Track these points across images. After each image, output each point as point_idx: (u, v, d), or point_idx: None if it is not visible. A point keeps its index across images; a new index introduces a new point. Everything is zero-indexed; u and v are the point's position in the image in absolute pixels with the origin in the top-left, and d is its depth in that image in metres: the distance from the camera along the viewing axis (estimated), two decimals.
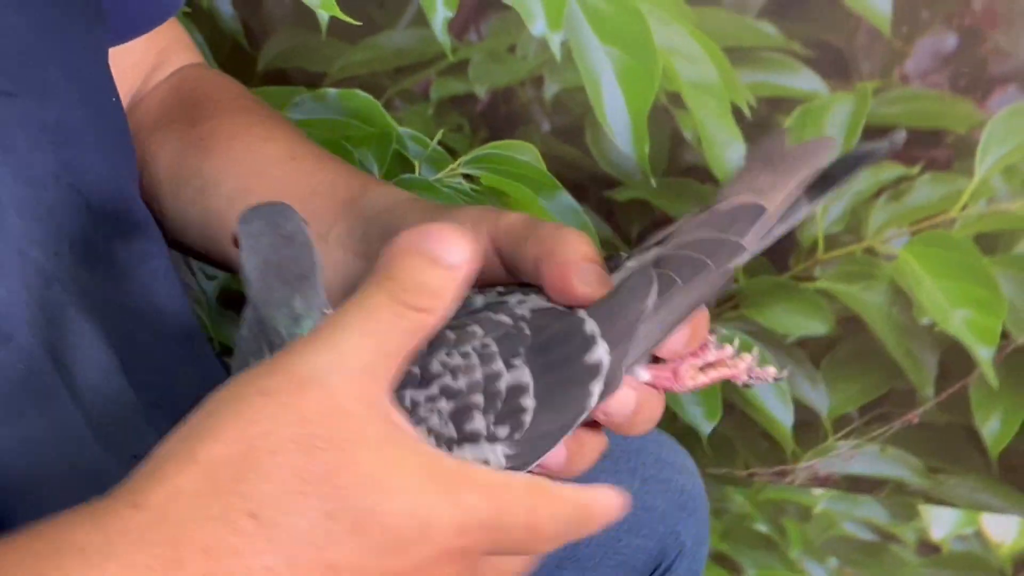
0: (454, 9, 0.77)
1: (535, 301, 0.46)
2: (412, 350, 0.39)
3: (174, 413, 0.42)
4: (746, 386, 0.48)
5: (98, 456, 0.49)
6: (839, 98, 0.73)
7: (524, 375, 0.44)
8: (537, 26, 0.76)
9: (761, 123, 0.75)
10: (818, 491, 0.91)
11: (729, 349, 0.48)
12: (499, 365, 0.44)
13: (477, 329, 0.44)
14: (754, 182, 0.47)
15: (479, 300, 0.46)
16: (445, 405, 0.43)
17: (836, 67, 0.73)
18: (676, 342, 0.46)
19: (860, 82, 0.72)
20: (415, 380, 0.42)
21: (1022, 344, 0.77)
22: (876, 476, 0.88)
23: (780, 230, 0.47)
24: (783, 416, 0.87)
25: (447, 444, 0.43)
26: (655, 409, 0.46)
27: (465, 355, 0.43)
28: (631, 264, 0.47)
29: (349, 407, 0.36)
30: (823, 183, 0.47)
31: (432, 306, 0.38)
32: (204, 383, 0.58)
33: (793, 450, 0.88)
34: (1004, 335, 0.77)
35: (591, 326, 0.45)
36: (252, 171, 0.61)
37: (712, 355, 0.48)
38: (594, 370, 0.45)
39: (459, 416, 0.43)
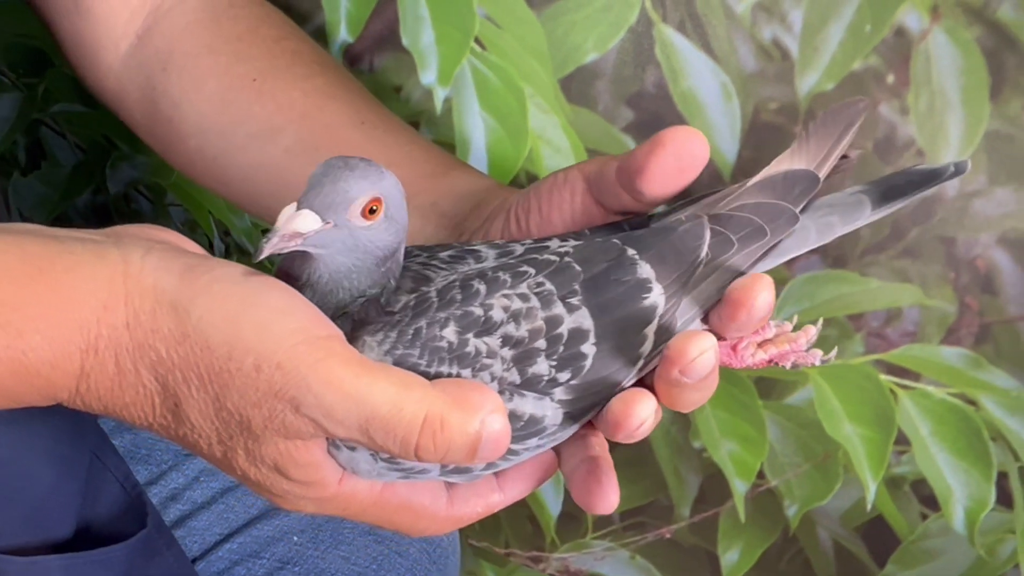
0: (355, 36, 0.81)
1: (574, 241, 0.46)
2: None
3: None
4: (794, 367, 0.47)
5: None
6: None
7: (585, 318, 0.44)
8: (428, 76, 0.80)
9: None
10: None
11: (788, 325, 0.47)
12: (559, 308, 0.43)
13: (529, 268, 0.44)
14: (803, 147, 0.47)
15: (519, 247, 0.46)
16: (508, 352, 0.43)
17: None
18: (737, 311, 0.44)
19: None
20: (477, 323, 0.43)
21: (774, 486, 0.83)
22: None
23: (841, 230, 0.46)
24: (552, 504, 0.91)
25: (509, 389, 0.43)
26: (710, 386, 0.45)
27: (524, 297, 0.43)
28: (680, 216, 0.47)
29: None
30: (890, 194, 0.46)
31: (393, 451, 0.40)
32: None
33: (552, 539, 0.91)
34: (760, 474, 0.83)
35: (646, 270, 0.45)
36: (318, 125, 0.57)
37: (771, 331, 0.47)
38: (650, 314, 0.44)
39: (522, 361, 0.43)
